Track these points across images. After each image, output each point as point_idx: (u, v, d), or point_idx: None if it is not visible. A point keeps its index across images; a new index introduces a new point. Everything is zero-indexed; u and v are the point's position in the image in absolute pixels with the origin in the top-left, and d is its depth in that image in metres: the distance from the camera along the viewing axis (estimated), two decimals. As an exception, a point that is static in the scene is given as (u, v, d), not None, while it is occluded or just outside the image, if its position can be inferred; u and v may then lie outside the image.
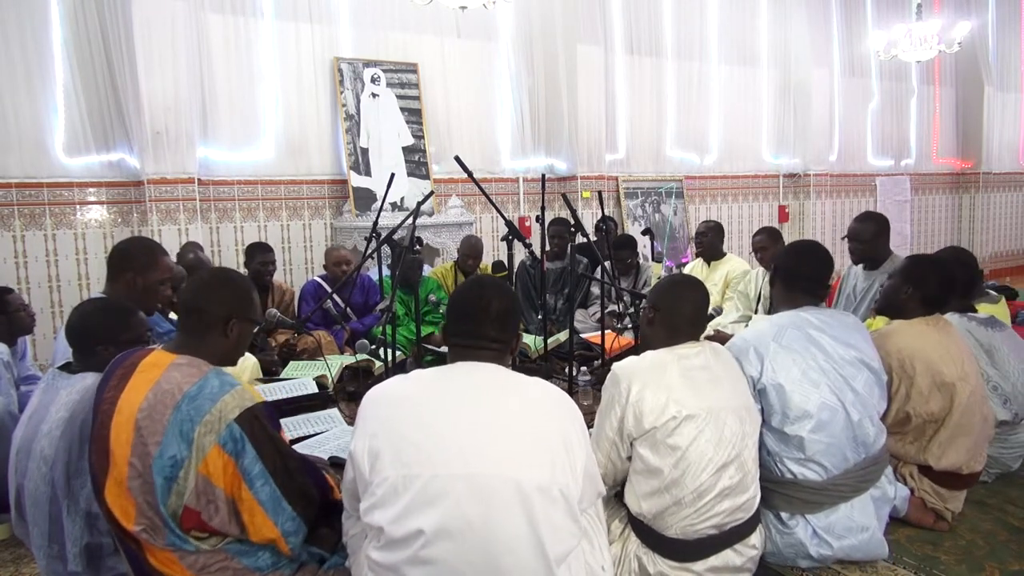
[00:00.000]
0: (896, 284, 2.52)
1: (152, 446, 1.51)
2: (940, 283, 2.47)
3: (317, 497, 1.71)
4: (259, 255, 4.32)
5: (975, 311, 2.80)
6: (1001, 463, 2.67)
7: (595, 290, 4.67)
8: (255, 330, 1.86)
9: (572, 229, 3.28)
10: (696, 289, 2.04)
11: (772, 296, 2.40)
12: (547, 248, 4.01)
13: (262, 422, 1.61)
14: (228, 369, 1.73)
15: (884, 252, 3.47)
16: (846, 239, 3.50)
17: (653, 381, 1.83)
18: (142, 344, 1.93)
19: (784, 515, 2.08)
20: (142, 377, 1.60)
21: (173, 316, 3.10)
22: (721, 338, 3.90)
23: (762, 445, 2.12)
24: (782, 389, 2.04)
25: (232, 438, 1.55)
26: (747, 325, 4.03)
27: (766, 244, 4.11)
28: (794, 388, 2.04)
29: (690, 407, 1.80)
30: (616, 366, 1.92)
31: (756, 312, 4.17)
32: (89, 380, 1.83)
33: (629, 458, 1.89)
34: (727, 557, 1.87)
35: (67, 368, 1.95)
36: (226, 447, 1.54)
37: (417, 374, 1.58)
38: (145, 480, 1.51)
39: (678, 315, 1.97)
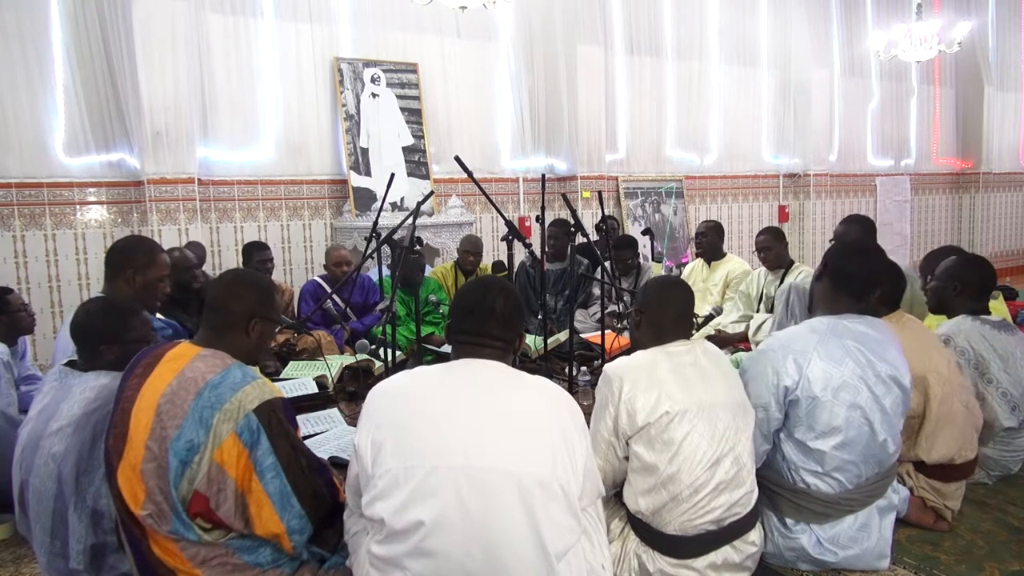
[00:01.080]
0: None
1: (171, 429, 1.54)
2: (892, 281, 2.45)
3: (327, 499, 1.71)
4: (256, 253, 4.33)
5: (988, 313, 2.76)
6: (1002, 465, 2.66)
7: (596, 291, 4.67)
8: (276, 330, 1.90)
9: (572, 229, 3.28)
10: (680, 289, 2.05)
11: (813, 294, 2.30)
12: (546, 249, 4.02)
13: (279, 416, 1.63)
14: None
15: None
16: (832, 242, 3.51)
17: (644, 378, 1.84)
18: (145, 344, 1.94)
19: (789, 520, 2.07)
20: (167, 366, 1.64)
21: (160, 316, 3.10)
22: (723, 338, 3.90)
23: (778, 450, 2.11)
24: (815, 403, 2.00)
25: (249, 428, 1.57)
26: (747, 326, 4.04)
27: (770, 244, 4.10)
28: (827, 403, 2.00)
29: (682, 403, 1.82)
30: (607, 367, 1.93)
31: (757, 311, 4.17)
32: (104, 379, 1.84)
33: (626, 458, 1.89)
34: (726, 554, 1.87)
35: (73, 365, 1.95)
36: (242, 436, 1.56)
37: (421, 370, 1.59)
38: (160, 464, 1.54)
39: (664, 316, 1.98)
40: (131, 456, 1.56)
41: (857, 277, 2.16)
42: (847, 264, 2.18)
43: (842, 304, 2.16)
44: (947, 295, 2.77)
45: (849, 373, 2.02)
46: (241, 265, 4.55)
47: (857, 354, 2.04)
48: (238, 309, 1.75)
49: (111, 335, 1.92)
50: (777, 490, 2.08)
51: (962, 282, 2.75)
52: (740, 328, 4.09)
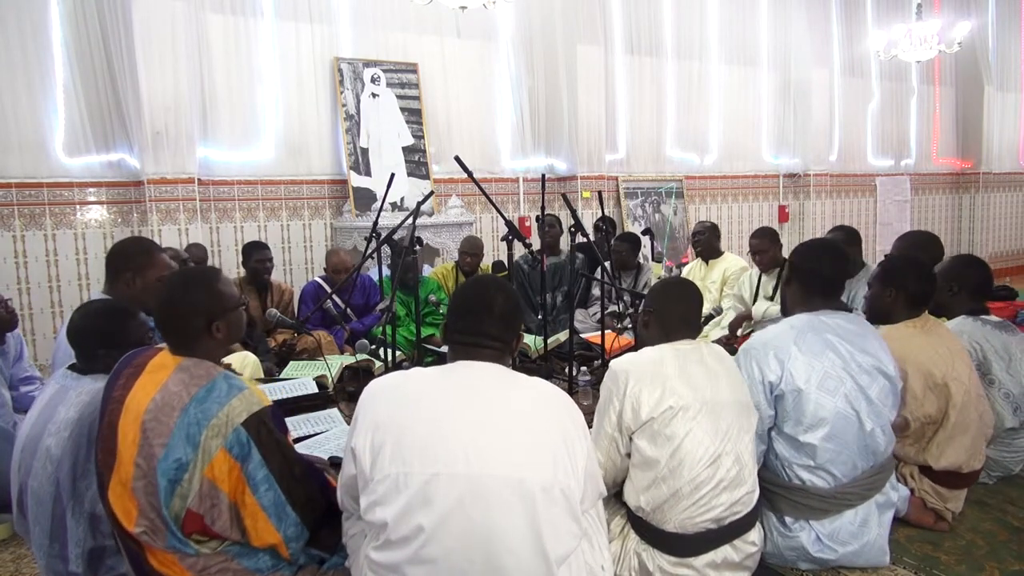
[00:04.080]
0: (877, 290, 2.51)
1: (158, 448, 1.51)
2: (919, 281, 2.45)
3: (321, 503, 1.70)
4: (256, 253, 4.32)
5: (988, 313, 2.75)
6: (1003, 466, 2.66)
7: (595, 291, 4.67)
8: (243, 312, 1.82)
9: (572, 229, 3.28)
10: (689, 289, 2.07)
11: (785, 296, 2.34)
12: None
13: (269, 426, 1.61)
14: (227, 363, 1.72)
15: (858, 261, 3.67)
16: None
17: (649, 374, 1.86)
18: (144, 346, 1.93)
19: (788, 519, 2.08)
20: (150, 378, 1.60)
21: None
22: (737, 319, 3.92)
23: (771, 449, 2.12)
24: (800, 395, 2.02)
25: (239, 442, 1.55)
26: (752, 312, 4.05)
27: (766, 247, 4.04)
28: (811, 394, 2.02)
29: (686, 398, 1.83)
30: (614, 362, 1.94)
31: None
32: (99, 383, 1.82)
33: (628, 455, 1.89)
34: (726, 553, 1.87)
35: (76, 368, 1.95)
36: (232, 451, 1.54)
37: (418, 372, 1.58)
38: (149, 481, 1.51)
39: (673, 315, 2.00)
40: (121, 473, 1.54)
41: (822, 275, 2.21)
42: (811, 264, 2.23)
43: (816, 302, 2.20)
44: (944, 296, 2.76)
45: (830, 364, 2.05)
46: (240, 265, 4.54)
47: (837, 346, 2.08)
48: (191, 321, 1.66)
49: (109, 338, 1.90)
50: (774, 489, 2.09)
51: (958, 283, 2.74)
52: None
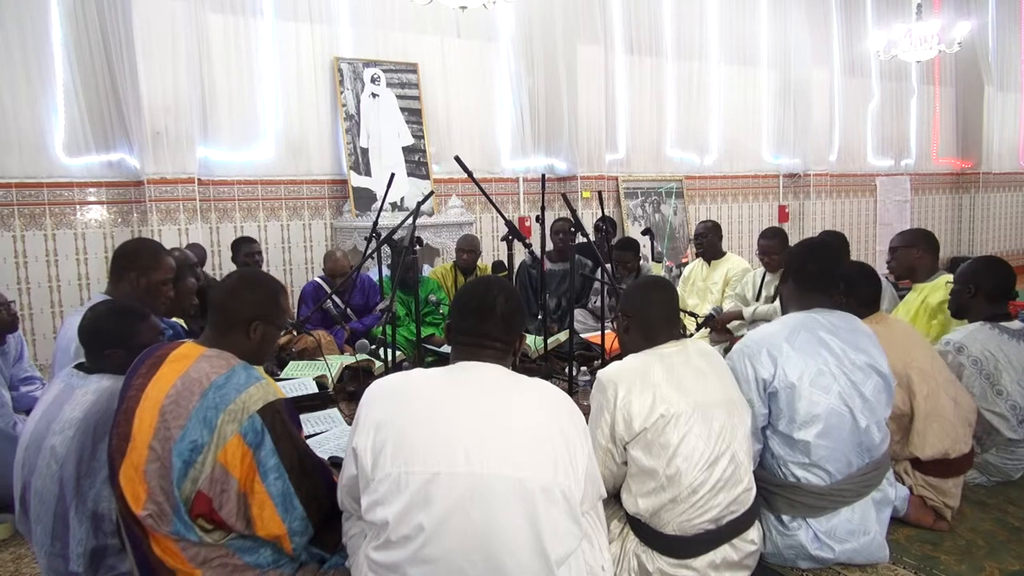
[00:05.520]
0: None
1: (175, 430, 1.54)
2: (867, 284, 2.51)
3: (327, 502, 1.71)
4: (244, 247, 4.34)
5: (1009, 316, 2.72)
6: (1003, 472, 2.65)
7: (596, 298, 4.67)
8: (279, 334, 1.89)
9: (572, 229, 3.29)
10: (664, 288, 2.05)
11: (782, 295, 2.36)
12: (547, 248, 4.01)
13: (283, 417, 1.64)
14: None
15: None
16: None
17: (638, 383, 1.84)
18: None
19: (785, 518, 2.08)
20: (171, 367, 1.64)
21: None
22: (722, 319, 3.90)
23: (766, 448, 2.12)
24: (793, 392, 2.02)
25: (253, 429, 1.57)
26: (743, 311, 4.05)
27: (776, 248, 3.98)
28: (804, 391, 2.02)
29: (677, 405, 1.81)
30: (601, 373, 1.92)
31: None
32: (105, 382, 1.84)
33: (624, 463, 1.89)
34: (725, 553, 1.87)
35: (81, 367, 1.95)
36: (246, 437, 1.56)
37: (419, 372, 1.58)
38: (163, 464, 1.54)
39: (652, 317, 1.98)
40: (134, 457, 1.56)
41: (817, 274, 2.23)
42: (806, 263, 2.26)
43: (811, 300, 2.22)
44: (964, 298, 2.76)
45: (823, 362, 2.05)
46: (230, 261, 4.55)
47: (831, 344, 2.09)
48: (239, 311, 1.74)
49: (118, 339, 1.91)
50: (770, 488, 2.09)
51: (976, 284, 2.72)
52: (744, 328, 4.10)
